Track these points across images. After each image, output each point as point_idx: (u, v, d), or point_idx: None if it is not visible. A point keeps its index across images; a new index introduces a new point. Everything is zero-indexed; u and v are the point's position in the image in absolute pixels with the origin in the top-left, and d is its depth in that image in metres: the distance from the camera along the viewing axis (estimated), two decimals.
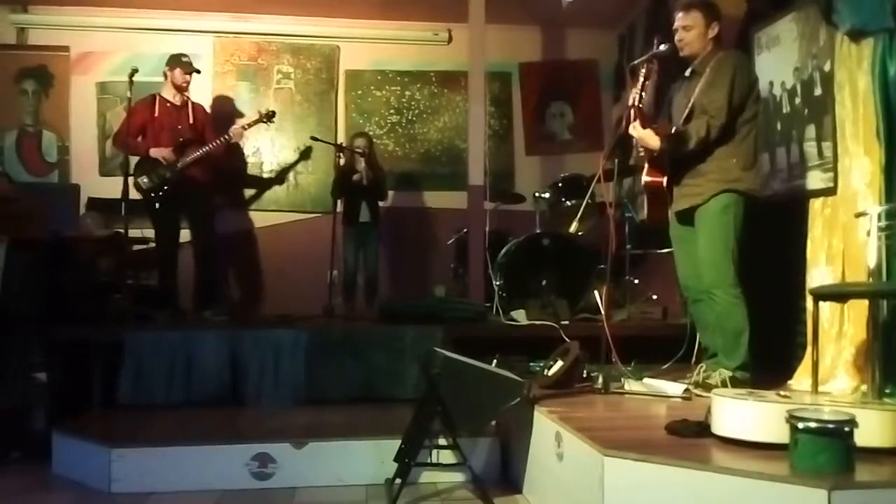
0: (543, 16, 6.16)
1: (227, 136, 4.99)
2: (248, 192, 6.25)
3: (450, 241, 5.65)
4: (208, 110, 5.41)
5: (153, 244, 4.99)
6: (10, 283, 3.66)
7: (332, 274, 5.21)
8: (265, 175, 6.27)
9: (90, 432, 3.13)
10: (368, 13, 6.19)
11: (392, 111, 6.45)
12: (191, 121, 4.97)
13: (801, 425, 1.89)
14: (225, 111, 6.04)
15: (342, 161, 5.53)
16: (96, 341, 3.77)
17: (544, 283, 4.65)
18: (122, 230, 4.60)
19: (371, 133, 5.99)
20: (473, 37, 5.01)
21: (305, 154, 6.21)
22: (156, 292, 4.87)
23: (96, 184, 5.87)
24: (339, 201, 5.36)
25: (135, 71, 4.69)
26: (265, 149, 6.27)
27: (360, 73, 6.43)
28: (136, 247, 4.97)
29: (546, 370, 3.21)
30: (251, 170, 6.26)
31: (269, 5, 6.10)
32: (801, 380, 3.26)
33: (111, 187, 5.19)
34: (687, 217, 3.20)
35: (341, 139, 6.10)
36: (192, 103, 5.06)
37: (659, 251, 4.67)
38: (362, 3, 6.00)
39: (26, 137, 6.07)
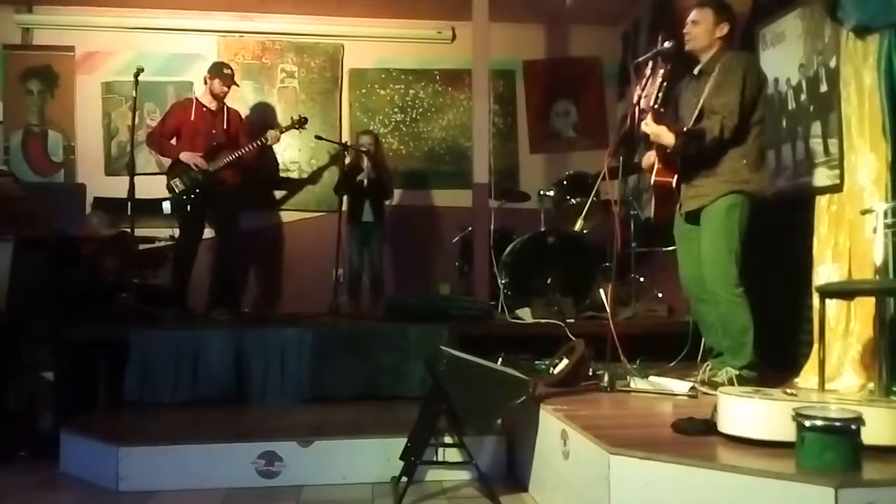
0: (547, 13, 6.15)
1: (263, 140, 4.99)
2: (279, 194, 6.26)
3: (455, 240, 5.65)
4: (243, 116, 5.41)
5: (159, 243, 5.01)
6: (17, 282, 3.68)
7: (337, 272, 5.22)
8: (289, 175, 6.27)
9: (97, 431, 3.14)
10: (372, 12, 6.19)
11: (396, 109, 6.45)
12: (225, 126, 4.99)
13: (807, 423, 1.88)
14: (260, 117, 6.04)
15: (347, 159, 5.53)
16: (103, 340, 3.78)
17: (549, 281, 4.64)
18: (127, 229, 4.61)
19: (375, 131, 5.99)
20: (477, 35, 5.00)
21: (336, 159, 6.03)
22: (162, 291, 4.89)
23: (102, 183, 5.90)
24: (343, 200, 5.37)
25: (140, 70, 4.70)
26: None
27: (364, 71, 6.43)
28: (142, 246, 4.99)
29: (552, 368, 3.21)
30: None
31: (273, 4, 6.10)
32: (807, 377, 3.25)
33: (117, 187, 5.22)
34: (693, 216, 3.19)
35: (346, 138, 6.10)
36: (228, 108, 5.08)
37: (664, 249, 4.67)
38: (366, 1, 6.00)
39: (32, 137, 6.08)
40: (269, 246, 6.20)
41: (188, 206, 4.84)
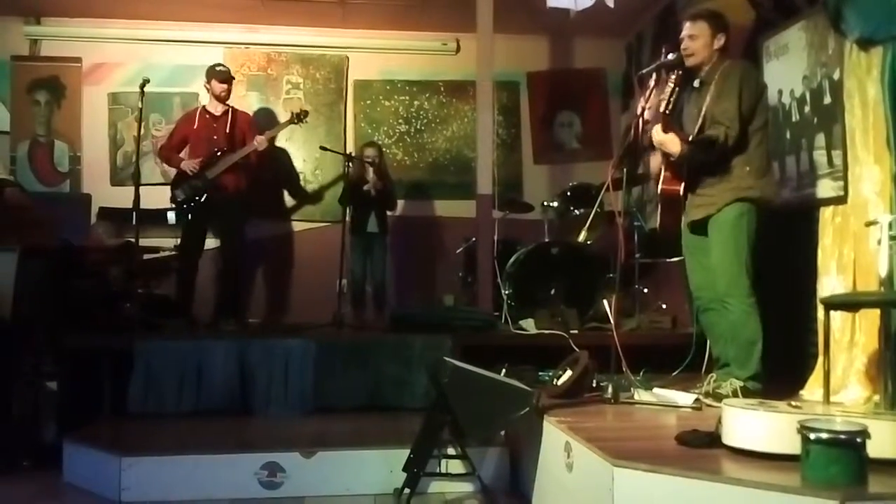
0: (551, 25, 6.17)
1: (252, 146, 4.94)
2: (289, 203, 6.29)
3: (458, 250, 5.65)
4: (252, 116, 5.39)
5: (163, 253, 5.02)
6: (22, 291, 3.68)
7: (341, 283, 5.22)
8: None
9: (101, 441, 3.14)
10: (377, 23, 6.23)
11: (400, 121, 6.48)
12: (228, 130, 4.95)
13: (812, 436, 1.87)
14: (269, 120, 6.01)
15: (351, 170, 5.55)
16: (107, 350, 3.79)
17: (553, 292, 4.64)
18: (132, 239, 4.62)
19: (380, 142, 6.01)
20: (481, 46, 5.02)
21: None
22: (166, 301, 4.90)
23: (107, 193, 5.93)
24: (347, 210, 5.38)
25: (146, 81, 4.72)
26: None
27: (368, 82, 6.46)
28: (147, 256, 5.00)
29: (555, 380, 3.19)
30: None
31: (279, 16, 6.14)
32: (812, 390, 3.24)
33: (122, 197, 5.23)
34: (699, 226, 3.19)
35: (350, 149, 6.12)
36: (234, 111, 5.05)
37: (668, 260, 4.66)
38: (371, 13, 6.04)
39: (38, 147, 6.12)
40: (273, 256, 6.21)
41: (189, 215, 4.86)
